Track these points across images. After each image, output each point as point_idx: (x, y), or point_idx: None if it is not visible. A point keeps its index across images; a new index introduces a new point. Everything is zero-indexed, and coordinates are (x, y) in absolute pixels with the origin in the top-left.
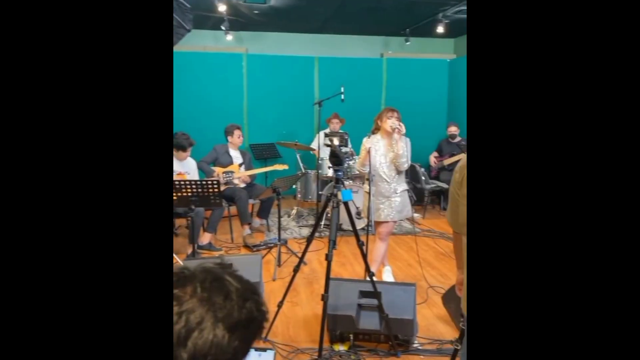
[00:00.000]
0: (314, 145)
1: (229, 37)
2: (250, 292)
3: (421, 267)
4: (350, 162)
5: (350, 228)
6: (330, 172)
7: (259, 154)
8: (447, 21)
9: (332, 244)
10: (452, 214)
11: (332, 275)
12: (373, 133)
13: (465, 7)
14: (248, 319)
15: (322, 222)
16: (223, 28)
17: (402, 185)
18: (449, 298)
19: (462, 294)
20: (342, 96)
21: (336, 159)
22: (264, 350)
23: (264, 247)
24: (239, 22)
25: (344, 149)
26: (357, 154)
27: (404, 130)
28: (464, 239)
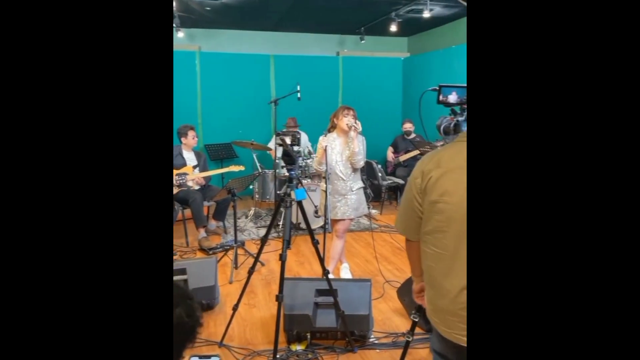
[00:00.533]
0: (270, 144)
1: (180, 34)
2: (182, 297)
3: (377, 263)
4: (308, 161)
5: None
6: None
7: (214, 154)
8: (399, 20)
9: (286, 244)
10: (408, 222)
11: (290, 275)
12: (329, 131)
13: (415, 7)
14: (176, 324)
15: (281, 223)
16: (174, 25)
17: (358, 183)
18: (403, 291)
19: (425, 301)
20: (299, 94)
21: (289, 158)
22: (209, 357)
23: (221, 249)
24: (190, 18)
25: (296, 148)
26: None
27: (360, 128)
28: (424, 247)
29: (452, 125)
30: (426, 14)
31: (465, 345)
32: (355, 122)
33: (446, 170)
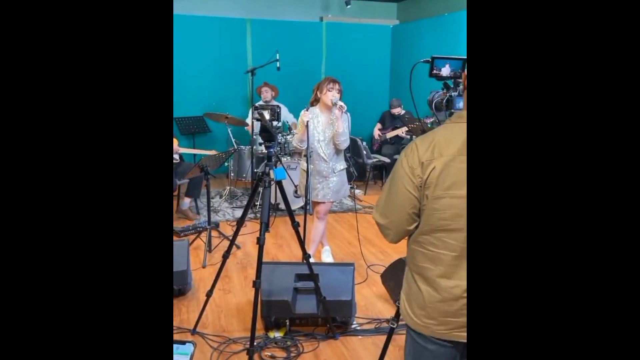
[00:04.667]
0: (247, 119)
1: None
2: None
3: (360, 246)
4: (288, 137)
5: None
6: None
7: (185, 128)
8: None
9: (265, 227)
10: (397, 219)
11: (268, 259)
12: (312, 105)
13: None
14: None
15: (258, 203)
16: None
17: (342, 164)
18: (387, 276)
19: (406, 299)
20: (278, 64)
21: (267, 134)
22: (183, 342)
23: (193, 231)
24: None
25: (275, 123)
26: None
27: (345, 107)
28: (417, 247)
29: (444, 100)
30: None
31: (466, 340)
32: (342, 103)
33: (450, 159)
